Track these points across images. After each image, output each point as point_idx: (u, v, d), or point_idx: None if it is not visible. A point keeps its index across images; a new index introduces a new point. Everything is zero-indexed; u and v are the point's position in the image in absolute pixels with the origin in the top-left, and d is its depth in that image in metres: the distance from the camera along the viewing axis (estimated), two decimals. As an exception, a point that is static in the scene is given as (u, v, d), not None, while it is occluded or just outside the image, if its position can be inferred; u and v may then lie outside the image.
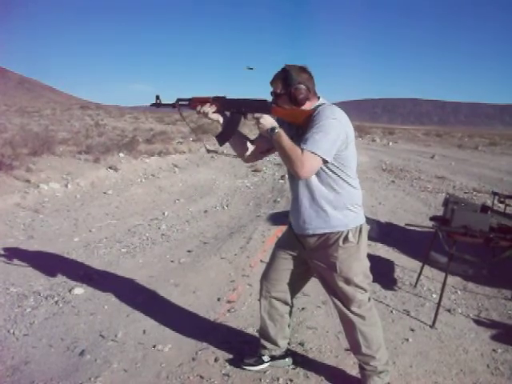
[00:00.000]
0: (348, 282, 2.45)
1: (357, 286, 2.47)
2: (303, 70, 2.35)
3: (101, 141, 13.65)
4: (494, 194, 4.73)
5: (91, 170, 9.83)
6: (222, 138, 2.48)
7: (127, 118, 33.74)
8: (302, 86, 2.29)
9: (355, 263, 2.43)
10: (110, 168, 10.22)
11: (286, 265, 2.69)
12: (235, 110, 2.41)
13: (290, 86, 2.29)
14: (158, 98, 2.48)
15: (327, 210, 2.37)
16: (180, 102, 2.47)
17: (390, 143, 27.82)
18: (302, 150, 2.17)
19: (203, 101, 2.42)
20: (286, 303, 2.80)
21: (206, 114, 2.41)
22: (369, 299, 2.57)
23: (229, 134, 2.48)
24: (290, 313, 2.88)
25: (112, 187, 9.04)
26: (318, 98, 2.42)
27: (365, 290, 2.52)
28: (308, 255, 2.57)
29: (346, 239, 2.39)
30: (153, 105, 2.49)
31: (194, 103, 2.44)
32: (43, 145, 10.31)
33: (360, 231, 2.43)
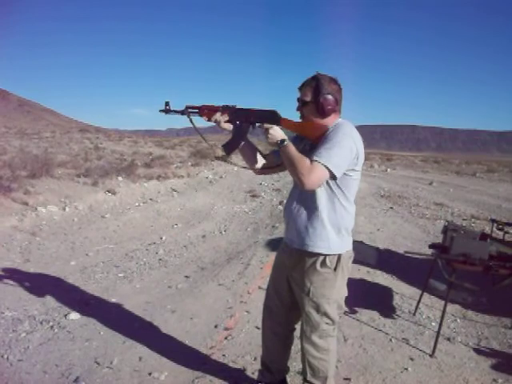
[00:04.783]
0: (317, 308, 2.37)
1: (325, 314, 2.38)
2: (334, 80, 2.30)
3: (99, 164, 13.69)
4: (493, 221, 4.71)
5: (89, 193, 9.83)
6: (229, 147, 2.42)
7: (126, 141, 33.89)
8: (331, 97, 2.25)
9: (329, 290, 2.35)
10: (109, 191, 10.22)
11: (279, 287, 2.60)
12: (244, 119, 2.35)
13: (319, 94, 2.24)
14: (167, 104, 2.40)
15: (316, 227, 2.29)
16: (189, 110, 2.40)
17: (388, 169, 27.92)
18: (312, 160, 2.12)
19: (213, 109, 2.37)
20: (287, 328, 2.69)
21: (218, 123, 2.36)
22: (333, 330, 2.47)
23: (236, 143, 2.42)
24: (292, 336, 2.75)
25: (110, 211, 9.03)
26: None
27: (332, 321, 2.42)
28: (289, 273, 2.50)
29: (323, 263, 2.31)
30: (162, 111, 2.42)
31: (204, 111, 2.38)
32: (42, 167, 10.33)
33: (339, 259, 2.34)
